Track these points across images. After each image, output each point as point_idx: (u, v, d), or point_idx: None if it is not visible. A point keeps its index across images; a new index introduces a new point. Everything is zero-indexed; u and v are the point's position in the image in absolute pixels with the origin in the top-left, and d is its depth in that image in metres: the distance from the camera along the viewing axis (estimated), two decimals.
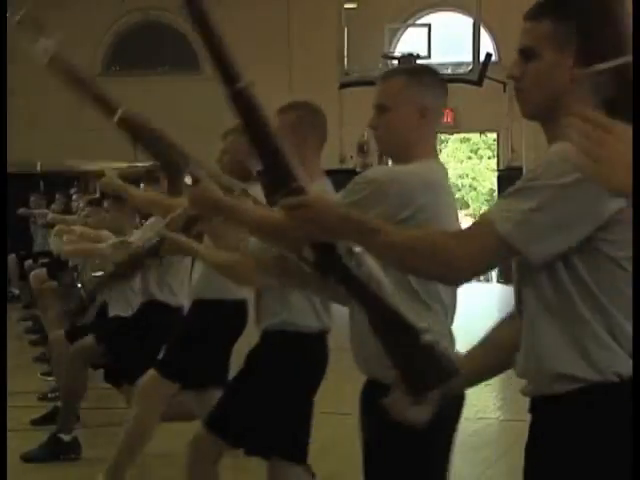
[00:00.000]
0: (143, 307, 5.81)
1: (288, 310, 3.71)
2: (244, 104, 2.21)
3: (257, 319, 3.89)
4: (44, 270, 10.44)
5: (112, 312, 6.32)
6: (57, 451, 5.86)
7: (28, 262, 11.99)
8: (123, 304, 6.25)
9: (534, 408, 2.13)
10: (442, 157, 23.87)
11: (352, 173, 3.86)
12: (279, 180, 2.19)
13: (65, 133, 15.76)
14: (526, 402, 2.19)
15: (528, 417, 2.18)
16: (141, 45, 16.28)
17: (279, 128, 3.58)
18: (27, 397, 7.30)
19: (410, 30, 15.64)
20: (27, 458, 5.76)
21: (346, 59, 14.89)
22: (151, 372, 4.95)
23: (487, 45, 15.13)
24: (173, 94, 15.02)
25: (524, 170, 13.59)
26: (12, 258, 13.45)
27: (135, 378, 5.25)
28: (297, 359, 3.80)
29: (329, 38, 15.11)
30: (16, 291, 13.54)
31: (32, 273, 10.67)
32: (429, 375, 2.22)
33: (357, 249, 2.23)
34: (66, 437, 5.91)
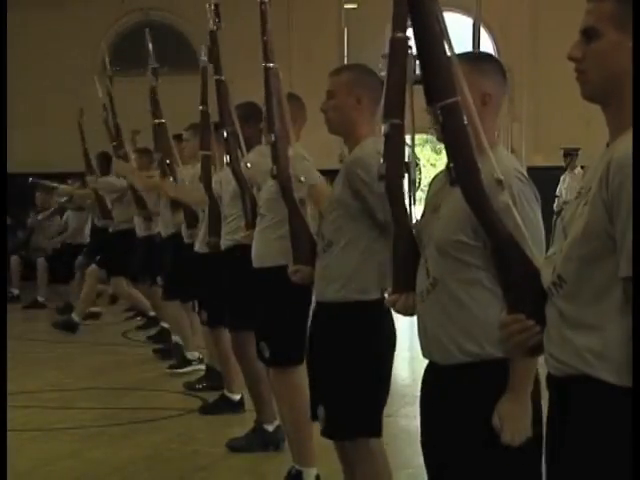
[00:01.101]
0: None
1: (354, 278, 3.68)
2: None
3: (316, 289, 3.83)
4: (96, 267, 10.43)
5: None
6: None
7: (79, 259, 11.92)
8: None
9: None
10: (442, 157, 23.75)
11: None
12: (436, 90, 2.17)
13: (66, 133, 15.74)
14: None
15: None
16: (141, 45, 16.25)
17: (333, 90, 3.67)
18: (27, 397, 7.31)
19: (410, 30, 15.62)
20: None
21: (346, 59, 14.88)
22: (272, 371, 4.86)
23: (487, 45, 15.11)
24: (173, 94, 15.01)
25: (524, 170, 13.54)
26: (15, 259, 13.47)
27: None
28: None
29: (329, 39, 15.11)
30: (16, 291, 13.53)
31: (89, 270, 10.62)
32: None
33: None
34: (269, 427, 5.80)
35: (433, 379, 2.87)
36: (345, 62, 14.60)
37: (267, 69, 3.96)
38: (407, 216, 3.07)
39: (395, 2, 3.00)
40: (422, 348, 2.88)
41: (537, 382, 2.72)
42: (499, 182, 2.46)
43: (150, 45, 7.53)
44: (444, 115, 2.13)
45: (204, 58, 6.55)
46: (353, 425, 3.75)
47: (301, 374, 4.69)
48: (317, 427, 4.04)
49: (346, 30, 15.02)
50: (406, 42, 3.02)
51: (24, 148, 15.10)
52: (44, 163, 15.58)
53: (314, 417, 3.92)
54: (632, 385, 1.96)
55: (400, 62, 3.03)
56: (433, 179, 3.05)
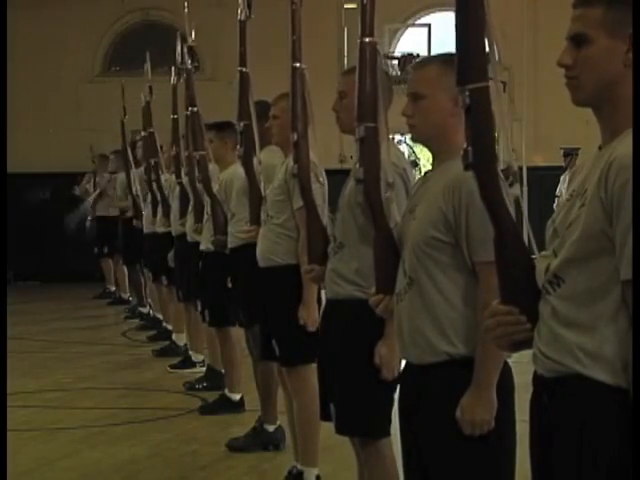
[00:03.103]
0: None
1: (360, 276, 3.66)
2: None
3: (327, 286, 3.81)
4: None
5: None
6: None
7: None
8: None
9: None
10: None
11: None
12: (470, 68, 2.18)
13: (66, 133, 15.75)
14: None
15: None
16: (141, 45, 16.27)
17: (345, 90, 3.67)
18: (27, 397, 7.31)
19: (410, 30, 15.62)
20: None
21: (346, 59, 14.87)
22: (284, 370, 4.87)
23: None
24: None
25: (524, 170, 13.56)
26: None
27: None
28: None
29: (329, 38, 15.10)
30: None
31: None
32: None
33: None
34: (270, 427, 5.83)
35: (409, 379, 2.92)
36: (345, 62, 14.60)
37: (294, 69, 3.95)
38: (386, 218, 3.09)
39: (362, 8, 3.07)
40: (400, 348, 2.93)
41: (507, 378, 2.78)
42: (514, 175, 2.46)
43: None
44: (471, 98, 2.12)
45: (188, 60, 6.56)
46: (362, 423, 3.75)
47: (314, 372, 4.69)
48: (322, 427, 4.03)
49: (346, 30, 15.00)
50: (374, 46, 3.05)
51: (24, 148, 15.09)
52: (44, 163, 15.59)
53: (323, 417, 3.92)
54: (632, 387, 1.97)
55: (370, 66, 3.07)
56: (416, 183, 3.08)
